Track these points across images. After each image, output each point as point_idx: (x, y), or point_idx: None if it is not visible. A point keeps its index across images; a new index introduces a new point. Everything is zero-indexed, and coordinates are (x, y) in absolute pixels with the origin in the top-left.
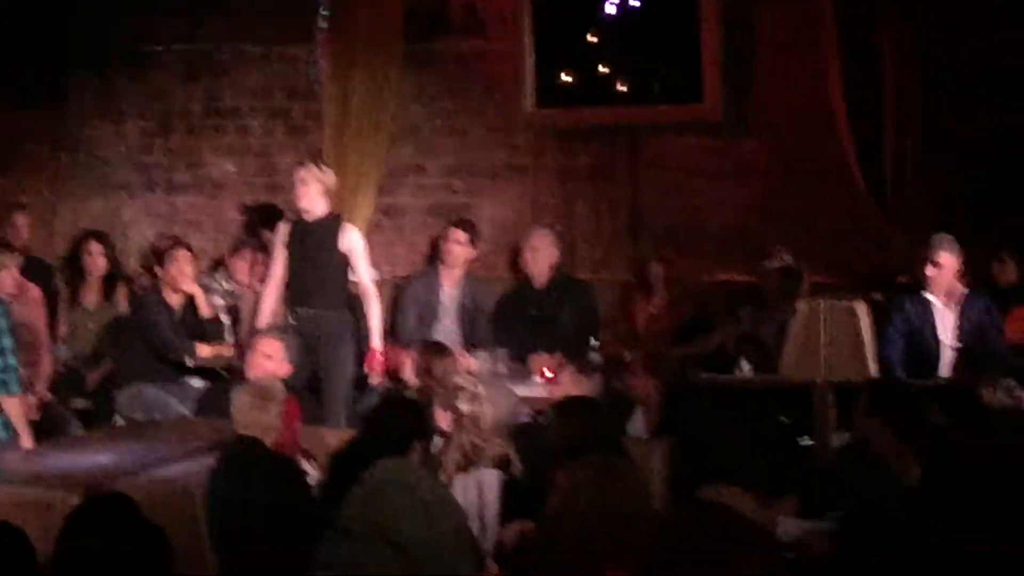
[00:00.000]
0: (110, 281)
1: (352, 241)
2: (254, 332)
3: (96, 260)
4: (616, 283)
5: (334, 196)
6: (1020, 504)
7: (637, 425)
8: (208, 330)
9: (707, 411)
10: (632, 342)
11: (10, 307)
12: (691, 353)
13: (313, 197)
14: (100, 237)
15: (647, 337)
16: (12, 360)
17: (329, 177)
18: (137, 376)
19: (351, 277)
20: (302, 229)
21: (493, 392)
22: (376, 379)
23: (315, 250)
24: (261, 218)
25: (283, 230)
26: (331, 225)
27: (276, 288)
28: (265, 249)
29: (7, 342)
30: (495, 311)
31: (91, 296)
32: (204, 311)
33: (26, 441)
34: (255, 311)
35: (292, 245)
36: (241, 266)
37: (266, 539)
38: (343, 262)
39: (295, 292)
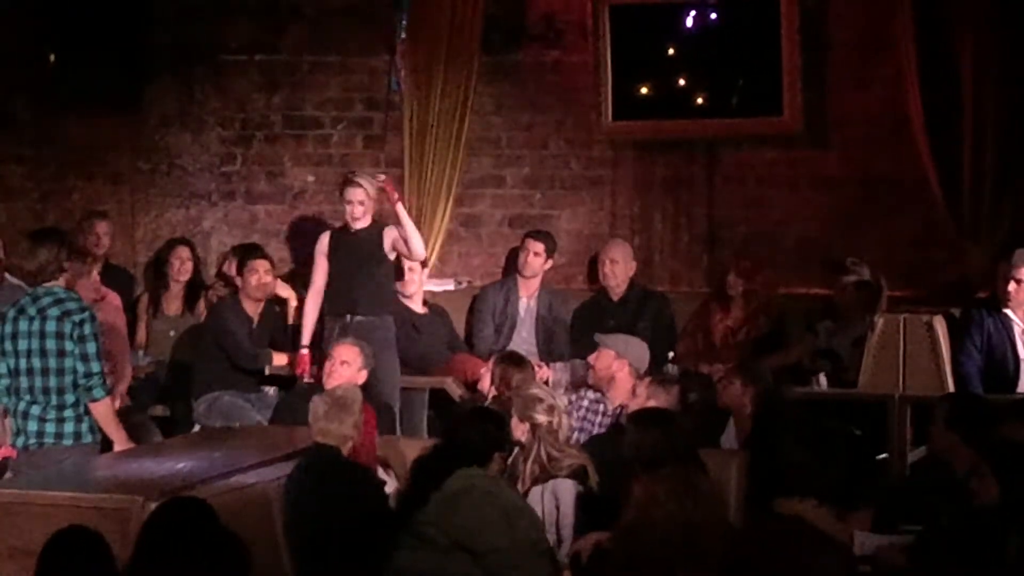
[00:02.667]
0: (192, 290)
1: (392, 235)
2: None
3: (185, 265)
4: (693, 295)
5: (413, 206)
6: None
7: (730, 436)
8: (293, 336)
9: (788, 424)
10: (709, 354)
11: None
12: (769, 366)
13: (367, 212)
14: (188, 244)
15: (724, 350)
16: (96, 366)
17: (375, 186)
18: (215, 384)
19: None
20: (346, 239)
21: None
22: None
23: (363, 259)
24: None
25: (324, 240)
26: (376, 233)
27: (318, 297)
28: None
29: (92, 348)
30: (572, 322)
31: (173, 304)
32: (293, 317)
33: (120, 443)
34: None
35: (335, 254)
36: None
37: (342, 547)
38: (390, 269)
39: (340, 301)
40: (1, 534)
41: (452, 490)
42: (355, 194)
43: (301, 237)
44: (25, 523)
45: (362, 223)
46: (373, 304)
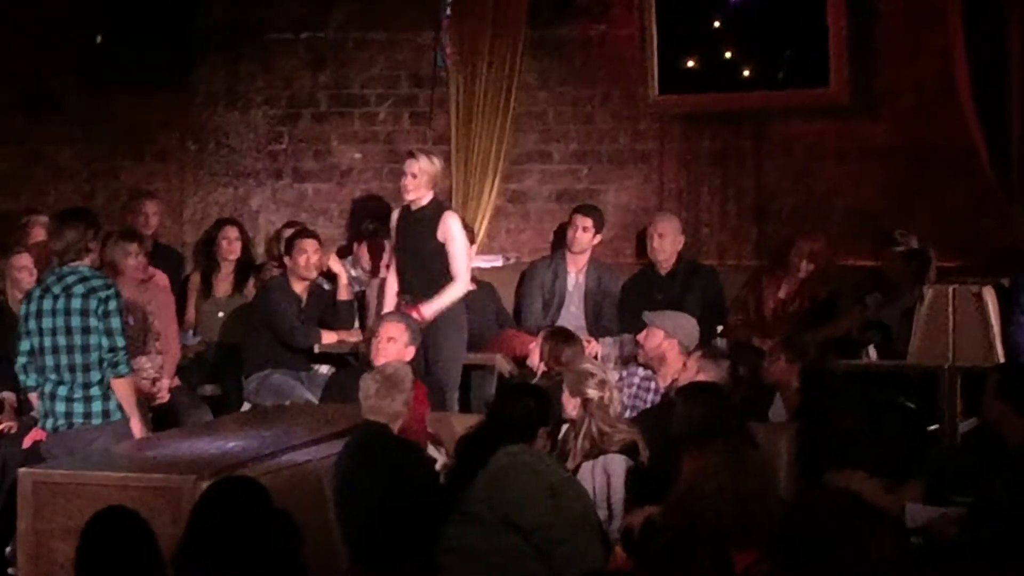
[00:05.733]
0: (242, 271)
1: (449, 230)
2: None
3: (233, 246)
4: (741, 268)
5: (460, 183)
6: None
7: (778, 410)
8: (343, 313)
9: (836, 397)
10: (760, 328)
11: (124, 289)
12: (818, 338)
13: (420, 187)
14: (236, 224)
15: (775, 323)
16: (120, 341)
17: (436, 166)
18: (265, 362)
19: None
20: (407, 217)
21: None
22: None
23: (416, 238)
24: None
25: (393, 218)
26: (432, 214)
27: (393, 276)
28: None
29: (116, 323)
30: (621, 297)
31: (223, 285)
32: (342, 294)
33: (135, 425)
34: (379, 298)
35: (398, 232)
36: (368, 254)
37: (393, 524)
38: (442, 249)
39: (401, 279)
40: (53, 514)
41: (497, 467)
42: (410, 165)
43: (349, 215)
44: (76, 503)
45: (414, 196)
46: (426, 284)
